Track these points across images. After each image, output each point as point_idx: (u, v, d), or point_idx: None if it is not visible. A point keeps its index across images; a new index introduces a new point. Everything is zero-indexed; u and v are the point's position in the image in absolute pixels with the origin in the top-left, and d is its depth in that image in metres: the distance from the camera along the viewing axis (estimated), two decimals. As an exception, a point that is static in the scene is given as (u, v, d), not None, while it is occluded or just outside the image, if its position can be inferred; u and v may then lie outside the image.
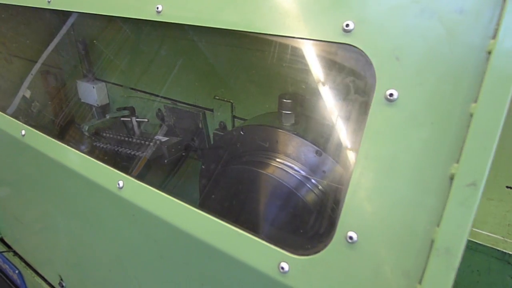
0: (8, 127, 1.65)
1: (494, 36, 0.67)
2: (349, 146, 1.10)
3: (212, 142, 1.84)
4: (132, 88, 2.09)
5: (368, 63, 0.78)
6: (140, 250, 1.29)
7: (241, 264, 0.93)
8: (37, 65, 2.30)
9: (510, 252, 1.29)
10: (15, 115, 1.73)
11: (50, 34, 2.12)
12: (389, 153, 0.75)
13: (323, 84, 1.17)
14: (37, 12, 1.60)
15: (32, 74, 2.35)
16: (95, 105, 2.20)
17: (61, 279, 1.94)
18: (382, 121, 0.76)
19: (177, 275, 1.21)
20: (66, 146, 1.40)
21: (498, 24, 0.67)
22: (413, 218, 0.72)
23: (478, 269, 1.33)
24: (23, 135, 1.56)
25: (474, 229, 1.35)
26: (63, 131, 2.31)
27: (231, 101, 1.70)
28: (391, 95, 0.75)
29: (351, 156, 1.07)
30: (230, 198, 1.36)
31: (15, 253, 2.38)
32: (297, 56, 1.20)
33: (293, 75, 1.30)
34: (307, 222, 1.18)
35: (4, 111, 1.77)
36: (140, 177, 1.20)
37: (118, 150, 1.88)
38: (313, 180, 1.22)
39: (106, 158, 1.94)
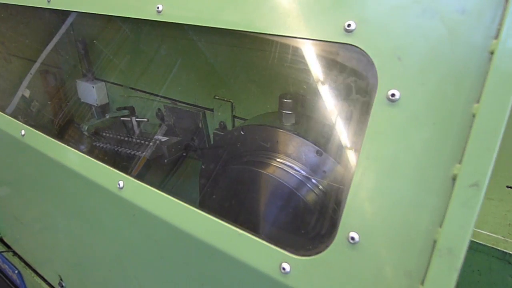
0: (8, 127, 1.64)
1: (496, 36, 0.66)
2: (350, 146, 1.10)
3: (212, 142, 1.83)
4: (132, 88, 2.08)
5: (370, 63, 0.78)
6: (140, 250, 1.29)
7: (242, 264, 0.93)
8: (36, 65, 2.30)
9: (511, 252, 1.29)
10: (14, 115, 1.73)
11: (50, 33, 2.11)
12: (391, 154, 0.75)
13: (324, 84, 1.16)
14: (36, 11, 1.59)
15: (31, 74, 2.35)
16: (95, 104, 2.19)
17: (61, 279, 1.94)
18: (384, 122, 0.75)
19: (177, 275, 1.21)
20: (66, 146, 1.39)
21: (500, 24, 0.66)
22: (415, 219, 0.72)
23: (479, 269, 1.33)
24: (23, 135, 1.55)
25: (474, 229, 1.35)
26: (62, 130, 2.31)
27: (231, 101, 1.70)
28: (393, 95, 0.74)
29: (352, 156, 1.07)
30: (231, 198, 1.36)
31: (15, 253, 2.37)
32: (297, 56, 1.19)
33: (294, 75, 1.30)
34: (308, 222, 1.18)
35: (3, 111, 1.77)
36: (140, 177, 1.20)
37: (118, 150, 1.88)
38: (314, 180, 1.22)
39: (106, 158, 1.93)
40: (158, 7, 1.10)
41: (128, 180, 1.18)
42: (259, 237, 0.92)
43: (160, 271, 1.25)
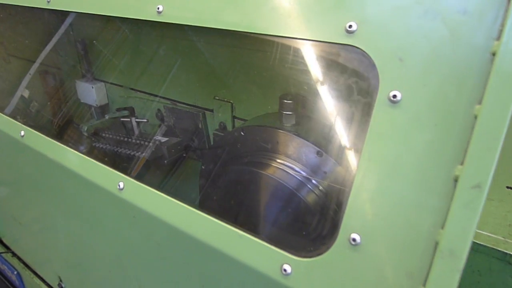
0: (8, 127, 1.64)
1: (498, 38, 0.66)
2: (351, 147, 1.09)
3: (212, 143, 1.83)
4: (132, 89, 2.08)
5: (371, 64, 0.78)
6: (140, 251, 1.28)
7: (243, 266, 0.93)
8: (36, 65, 2.29)
9: (511, 253, 1.29)
10: (13, 115, 1.73)
11: (49, 33, 2.11)
12: (393, 155, 0.74)
13: (325, 85, 1.16)
14: (35, 11, 1.59)
15: (30, 74, 2.34)
16: (94, 105, 2.19)
17: (60, 280, 1.94)
18: (385, 123, 0.75)
19: (178, 276, 1.20)
20: (66, 147, 1.39)
21: (502, 25, 0.66)
22: (417, 220, 0.72)
23: (479, 269, 1.33)
24: (22, 136, 1.55)
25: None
26: (61, 131, 2.30)
27: (231, 101, 1.70)
28: (394, 96, 0.74)
29: (353, 157, 1.07)
30: (231, 199, 1.35)
31: (14, 254, 2.37)
32: (298, 57, 1.19)
33: (294, 76, 1.30)
34: (309, 223, 1.18)
35: (2, 111, 1.76)
36: (140, 178, 1.20)
37: (117, 150, 1.88)
38: (315, 181, 1.22)
39: (105, 159, 1.93)
40: (158, 8, 1.10)
41: (128, 181, 1.18)
42: (260, 238, 0.91)
43: (160, 272, 1.25)
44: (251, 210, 1.29)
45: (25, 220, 2.05)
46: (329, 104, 1.19)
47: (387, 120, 0.75)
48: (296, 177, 1.24)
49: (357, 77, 1.01)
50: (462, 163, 0.67)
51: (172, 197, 1.09)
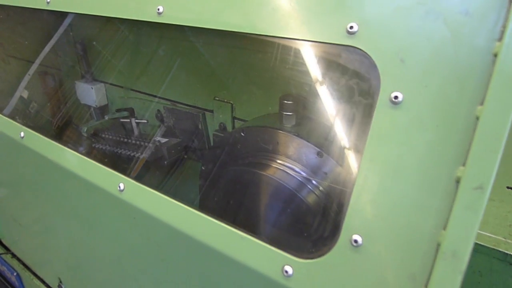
0: (7, 128, 1.63)
1: (500, 39, 0.66)
2: (352, 148, 1.09)
3: (212, 143, 1.83)
4: (132, 89, 2.08)
5: (373, 65, 0.78)
6: (141, 253, 1.28)
7: (244, 267, 0.93)
8: (35, 66, 2.29)
9: (512, 253, 1.29)
10: (12, 116, 1.72)
11: (48, 34, 2.11)
12: (394, 156, 0.74)
13: (326, 86, 1.16)
14: (35, 12, 1.59)
15: (29, 75, 2.34)
16: (94, 106, 2.18)
17: (60, 282, 1.93)
18: (387, 124, 0.75)
19: (178, 278, 1.20)
20: (66, 148, 1.39)
21: (504, 26, 0.66)
22: (418, 221, 0.72)
23: (480, 270, 1.33)
24: (22, 137, 1.54)
25: (475, 230, 1.35)
26: (61, 132, 2.30)
27: (231, 102, 1.69)
28: (396, 97, 0.74)
29: (354, 158, 1.06)
30: (232, 200, 1.35)
31: (13, 255, 2.36)
32: (299, 57, 1.19)
33: (295, 77, 1.30)
34: (310, 224, 1.17)
35: (1, 111, 1.76)
36: (140, 179, 1.19)
37: (117, 151, 1.87)
38: (315, 182, 1.21)
39: (105, 160, 1.93)
40: (158, 9, 1.10)
41: (129, 182, 1.18)
42: (261, 239, 0.91)
43: (161, 274, 1.25)
44: (252, 211, 1.29)
45: (25, 221, 2.05)
46: (330, 105, 1.19)
47: (389, 121, 0.75)
48: (296, 178, 1.23)
49: (358, 78, 1.01)
50: (464, 164, 0.67)
51: (172, 198, 1.09)
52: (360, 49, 0.79)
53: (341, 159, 1.15)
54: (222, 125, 1.76)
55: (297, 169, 1.25)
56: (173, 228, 1.06)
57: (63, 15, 1.93)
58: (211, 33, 1.05)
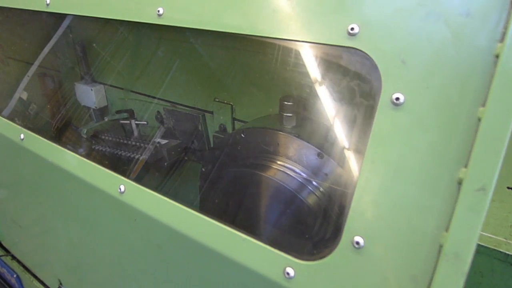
0: (7, 130, 1.63)
1: (501, 40, 0.66)
2: (353, 149, 1.09)
3: (212, 145, 1.83)
4: (131, 91, 2.07)
5: (374, 66, 0.78)
6: (142, 255, 1.28)
7: (246, 269, 0.92)
8: (34, 67, 2.29)
9: (513, 254, 1.29)
10: (11, 117, 1.72)
11: (48, 36, 2.10)
12: (396, 158, 0.74)
13: (327, 87, 1.16)
14: (34, 14, 1.58)
15: (28, 76, 2.33)
16: (93, 107, 2.18)
17: (61, 284, 1.93)
18: (388, 125, 0.75)
19: (179, 280, 1.20)
20: (66, 150, 1.38)
21: (505, 27, 0.66)
22: (420, 223, 0.72)
23: (481, 270, 1.33)
24: (22, 139, 1.54)
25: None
26: (60, 133, 2.30)
27: (231, 103, 1.69)
28: (397, 99, 0.74)
29: (356, 160, 1.06)
30: (232, 202, 1.35)
31: (13, 257, 2.36)
32: (299, 59, 1.19)
33: (295, 78, 1.29)
34: (312, 226, 1.17)
35: (0, 113, 1.76)
36: (140, 180, 1.19)
37: (117, 153, 1.87)
38: (317, 184, 1.21)
39: (105, 161, 1.93)
40: (158, 11, 1.09)
41: (129, 184, 1.18)
42: (262, 241, 0.91)
43: (162, 276, 1.25)
44: (252, 212, 1.29)
45: (25, 223, 2.04)
46: (331, 107, 1.19)
47: (390, 123, 0.75)
48: (297, 179, 1.23)
49: (359, 80, 1.00)
50: (466, 166, 0.67)
51: (173, 200, 1.08)
52: (361, 51, 0.79)
53: (342, 161, 1.15)
54: (222, 126, 1.76)
55: (297, 171, 1.25)
56: (174, 230, 1.06)
57: (61, 16, 1.93)
58: (211, 35, 1.05)
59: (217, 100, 1.73)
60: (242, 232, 0.94)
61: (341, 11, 0.82)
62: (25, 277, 2.24)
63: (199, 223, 1.02)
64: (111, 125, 2.07)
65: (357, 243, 0.77)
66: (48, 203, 1.70)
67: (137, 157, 1.80)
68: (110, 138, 1.99)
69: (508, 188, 1.51)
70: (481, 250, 1.31)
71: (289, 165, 1.27)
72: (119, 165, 1.86)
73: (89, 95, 2.16)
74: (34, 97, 2.43)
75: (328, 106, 1.20)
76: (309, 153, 1.23)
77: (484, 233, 1.36)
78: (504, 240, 1.32)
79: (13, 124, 1.63)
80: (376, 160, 0.76)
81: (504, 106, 0.63)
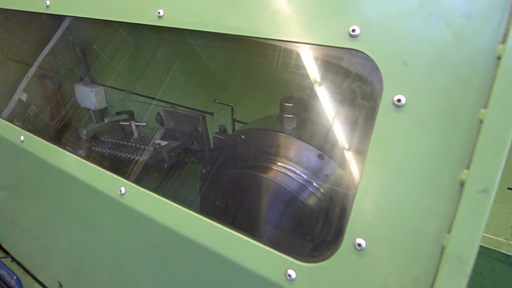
0: (7, 132, 1.63)
1: (503, 41, 0.66)
2: (354, 151, 1.09)
3: (212, 146, 1.82)
4: (132, 92, 2.07)
5: (375, 68, 0.77)
6: (142, 257, 1.28)
7: (247, 271, 0.92)
8: (33, 68, 2.28)
9: (514, 254, 1.29)
10: (10, 118, 1.72)
11: (47, 37, 2.10)
12: (398, 159, 0.74)
13: (328, 89, 1.16)
14: (33, 15, 1.58)
15: (28, 77, 2.33)
16: (93, 109, 2.18)
17: (61, 285, 1.92)
18: (390, 127, 0.75)
19: (180, 282, 1.20)
20: (66, 152, 1.38)
21: (507, 29, 0.66)
22: (422, 225, 0.71)
23: (482, 271, 1.33)
24: (22, 141, 1.54)
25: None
26: (60, 135, 2.29)
27: (231, 104, 1.69)
28: (399, 100, 0.74)
29: (357, 161, 1.06)
30: (233, 203, 1.35)
31: (13, 259, 2.35)
32: (300, 60, 1.19)
33: (295, 79, 1.29)
34: (314, 228, 1.17)
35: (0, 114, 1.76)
36: (141, 182, 1.19)
37: (117, 155, 1.87)
38: (317, 185, 1.21)
39: (105, 163, 1.92)
40: (159, 12, 1.09)
41: (130, 186, 1.17)
42: (264, 243, 0.91)
43: (163, 278, 1.24)
44: (253, 214, 1.28)
45: (25, 225, 2.04)
46: (332, 108, 1.19)
47: (392, 125, 0.75)
48: (298, 181, 1.23)
49: (361, 81, 1.00)
50: (468, 168, 0.67)
51: (174, 201, 1.08)
52: (363, 52, 0.79)
53: (343, 162, 1.15)
54: (222, 127, 1.76)
55: (298, 172, 1.25)
56: (175, 231, 1.06)
57: (61, 17, 1.92)
58: (211, 36, 1.05)
59: (217, 101, 1.73)
60: (243, 234, 0.94)
61: (342, 12, 0.82)
62: (25, 279, 2.23)
63: (200, 225, 1.01)
64: (111, 127, 2.07)
65: (359, 245, 0.77)
66: (48, 205, 1.70)
67: (137, 158, 1.80)
68: (110, 140, 1.99)
69: (509, 189, 1.51)
70: (482, 251, 1.31)
71: (290, 167, 1.27)
72: (119, 166, 1.86)
73: (89, 97, 2.16)
74: (34, 99, 2.42)
75: (329, 107, 1.20)
76: (309, 154, 1.23)
77: (485, 234, 1.36)
78: (505, 241, 1.32)
79: (13, 126, 1.63)
80: (377, 161, 0.76)
81: (506, 107, 0.63)
